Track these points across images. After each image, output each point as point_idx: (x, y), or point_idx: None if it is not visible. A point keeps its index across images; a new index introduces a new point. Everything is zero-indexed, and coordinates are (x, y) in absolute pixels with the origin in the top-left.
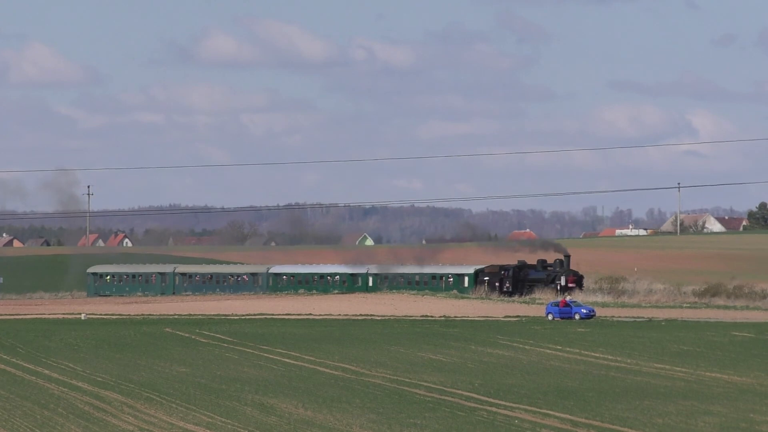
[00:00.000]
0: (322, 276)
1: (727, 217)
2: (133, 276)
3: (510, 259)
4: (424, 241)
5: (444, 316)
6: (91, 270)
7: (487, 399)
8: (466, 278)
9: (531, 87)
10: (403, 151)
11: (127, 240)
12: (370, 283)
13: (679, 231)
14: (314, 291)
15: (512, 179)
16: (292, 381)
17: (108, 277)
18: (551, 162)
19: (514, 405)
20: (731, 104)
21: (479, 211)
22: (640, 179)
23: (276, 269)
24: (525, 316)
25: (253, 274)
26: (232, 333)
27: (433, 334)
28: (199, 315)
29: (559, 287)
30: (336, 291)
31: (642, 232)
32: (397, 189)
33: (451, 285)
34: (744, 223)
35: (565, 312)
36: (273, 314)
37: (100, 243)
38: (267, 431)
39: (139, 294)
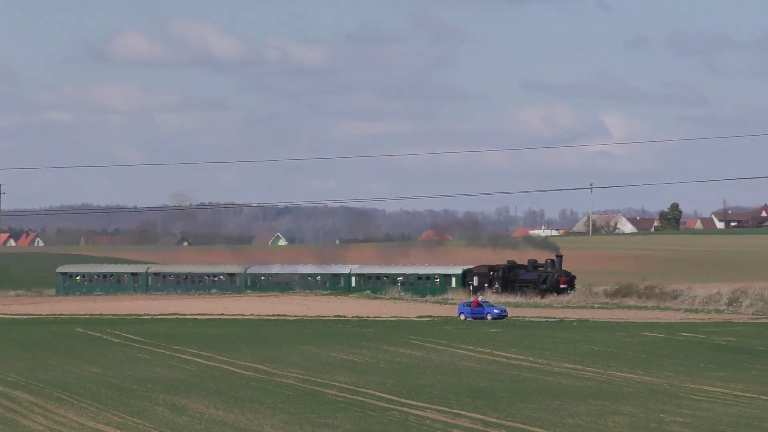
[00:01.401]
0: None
1: (638, 218)
2: (104, 276)
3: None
4: (337, 241)
5: (357, 316)
6: (60, 270)
7: (398, 399)
8: (454, 279)
9: (445, 87)
10: (317, 151)
11: (38, 239)
12: (353, 284)
13: (591, 231)
14: (289, 291)
15: (426, 179)
16: (203, 381)
17: (78, 277)
18: (465, 162)
19: (425, 405)
20: (643, 105)
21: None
22: (553, 180)
23: (254, 269)
24: (437, 317)
25: (231, 275)
26: (144, 333)
27: (345, 334)
28: (110, 315)
29: (471, 287)
30: (321, 292)
31: (554, 232)
32: (311, 189)
33: (438, 286)
34: (655, 223)
35: (477, 312)
36: (185, 314)
37: (12, 242)
38: (178, 431)
39: (111, 294)
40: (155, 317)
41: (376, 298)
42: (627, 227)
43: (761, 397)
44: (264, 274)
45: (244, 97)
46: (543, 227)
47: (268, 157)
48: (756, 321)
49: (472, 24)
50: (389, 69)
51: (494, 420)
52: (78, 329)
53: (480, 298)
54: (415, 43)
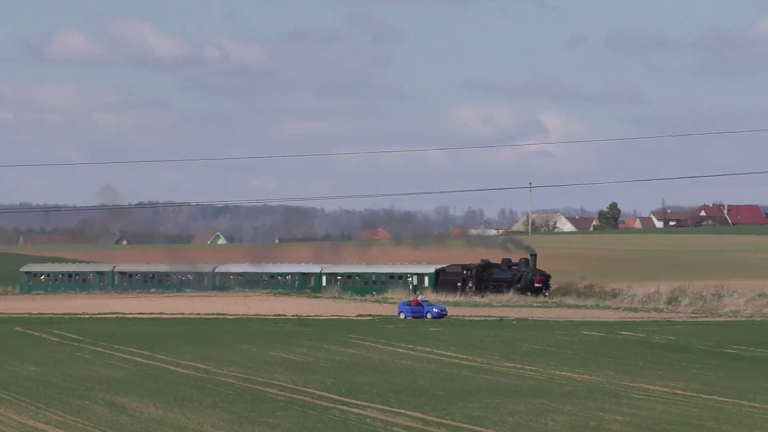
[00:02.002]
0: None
1: (577, 217)
2: (70, 275)
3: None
4: (276, 240)
5: (297, 315)
6: (24, 269)
7: (338, 398)
8: (427, 278)
9: (384, 86)
10: (256, 150)
11: None
12: (324, 283)
13: (530, 231)
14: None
15: (365, 178)
16: (143, 380)
17: (42, 276)
18: (404, 161)
19: (365, 404)
20: (581, 105)
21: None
22: (492, 179)
23: (221, 269)
24: (378, 316)
25: (199, 274)
26: (83, 332)
27: (285, 333)
28: (49, 314)
29: (411, 286)
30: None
31: (494, 231)
32: (250, 188)
33: (411, 285)
34: (594, 222)
35: (417, 311)
36: (125, 313)
37: None
38: (118, 430)
39: (77, 292)
40: (94, 316)
41: (316, 297)
42: (566, 226)
43: (700, 395)
44: (233, 273)
45: (184, 96)
46: (482, 226)
47: (208, 156)
48: (695, 320)
49: (411, 23)
50: (328, 68)
51: (434, 419)
52: (17, 328)
53: (420, 297)
54: (354, 43)
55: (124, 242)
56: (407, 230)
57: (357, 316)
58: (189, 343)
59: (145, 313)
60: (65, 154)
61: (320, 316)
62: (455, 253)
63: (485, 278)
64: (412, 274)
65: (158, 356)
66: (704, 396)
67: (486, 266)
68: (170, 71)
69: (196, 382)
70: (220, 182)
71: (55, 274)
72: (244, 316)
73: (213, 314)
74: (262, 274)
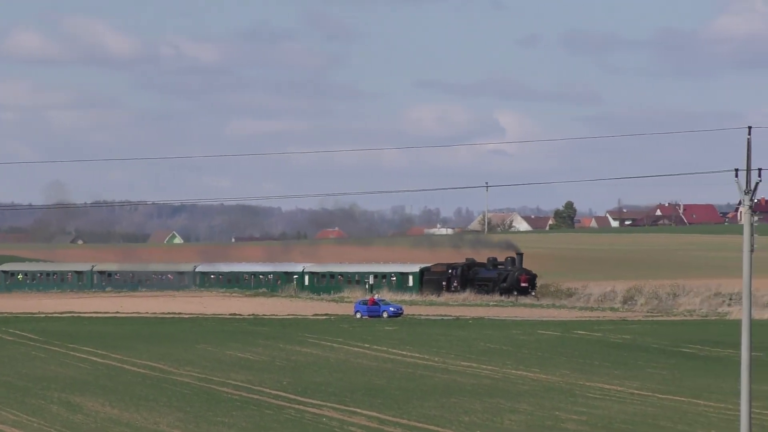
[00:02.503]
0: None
1: (533, 216)
2: (48, 274)
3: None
4: (233, 239)
5: (253, 314)
6: (2, 268)
7: (295, 397)
8: (411, 277)
9: (339, 85)
10: (211, 148)
11: None
12: (308, 282)
13: (486, 230)
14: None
15: (321, 177)
16: (99, 379)
17: (20, 276)
18: (360, 161)
19: (321, 403)
20: (537, 104)
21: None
22: (448, 178)
23: (201, 268)
24: (334, 315)
25: (180, 273)
26: (39, 331)
27: (241, 332)
28: (5, 313)
29: (368, 285)
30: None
31: (450, 231)
32: (206, 187)
33: (395, 285)
34: (550, 222)
35: (373, 310)
36: (81, 312)
37: None
38: (73, 429)
39: (55, 291)
40: (50, 315)
41: (272, 296)
42: (522, 226)
43: (656, 394)
44: (214, 273)
45: (139, 94)
46: (438, 226)
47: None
48: (651, 319)
49: (367, 22)
50: (283, 67)
51: (390, 418)
52: None
53: (376, 296)
54: (308, 42)
55: (80, 241)
56: (363, 229)
57: (313, 316)
58: (145, 343)
59: (100, 312)
60: (20, 152)
61: (276, 315)
62: (404, 253)
63: (470, 277)
64: (395, 273)
65: (114, 355)
66: (660, 395)
67: (471, 265)
68: (125, 69)
69: (151, 382)
70: (176, 181)
71: (33, 273)
72: (200, 316)
73: (169, 313)
74: (242, 273)
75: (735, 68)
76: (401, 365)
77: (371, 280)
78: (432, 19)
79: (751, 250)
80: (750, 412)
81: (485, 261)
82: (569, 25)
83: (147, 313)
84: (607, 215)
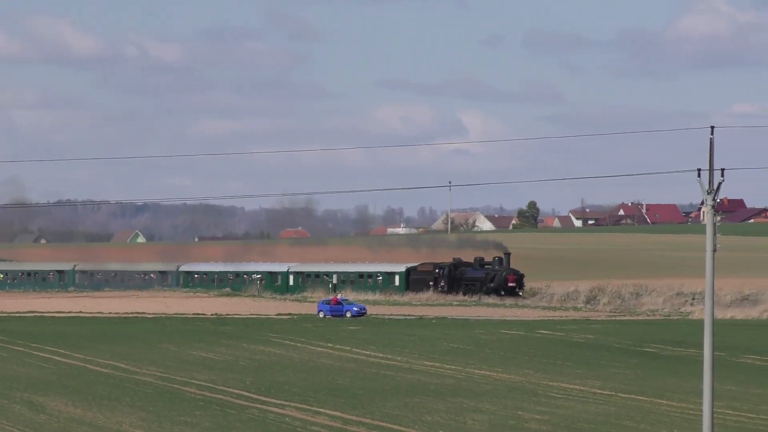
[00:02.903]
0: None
1: (497, 216)
2: (29, 273)
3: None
4: (196, 239)
5: (216, 314)
6: None
7: (258, 397)
8: (397, 277)
9: (303, 85)
10: (174, 148)
11: None
12: (292, 282)
13: (449, 229)
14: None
15: (284, 177)
16: (62, 379)
17: (1, 275)
18: (323, 160)
19: (285, 403)
20: (500, 104)
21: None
22: (412, 178)
23: (185, 267)
24: (297, 314)
25: (162, 272)
26: (1, 331)
27: (205, 332)
28: None
29: (331, 285)
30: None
31: (413, 230)
32: (169, 186)
33: (381, 284)
34: (513, 221)
35: (336, 310)
36: (43, 312)
37: None
38: (36, 429)
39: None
40: (12, 315)
41: (235, 295)
42: (485, 225)
43: (619, 394)
44: (198, 272)
45: (101, 94)
46: (402, 225)
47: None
48: (613, 318)
49: (330, 21)
50: (247, 66)
51: (353, 417)
52: None
53: (339, 296)
54: (272, 41)
55: (43, 240)
56: (326, 229)
57: (276, 315)
58: (108, 342)
59: (63, 312)
60: None
61: (239, 315)
62: (360, 253)
63: (457, 277)
64: (381, 273)
65: (77, 355)
66: (622, 395)
67: (458, 265)
68: (88, 69)
69: (114, 381)
70: (139, 180)
71: (15, 272)
72: (163, 315)
73: (132, 313)
74: (226, 272)
75: (698, 68)
76: (364, 365)
77: (334, 280)
78: (396, 19)
79: (714, 250)
80: (712, 412)
81: (472, 260)
82: (532, 26)
83: (110, 312)
84: (570, 215)
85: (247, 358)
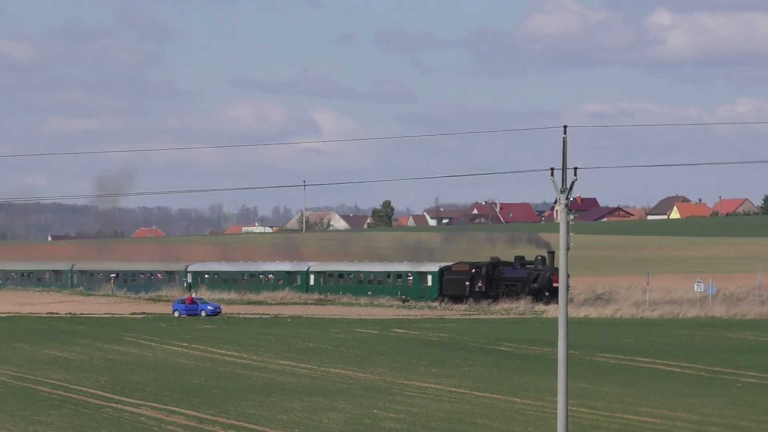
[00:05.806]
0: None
1: (351, 215)
2: (23, 273)
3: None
4: (49, 238)
5: (70, 313)
6: None
7: (112, 396)
8: (430, 277)
9: (155, 83)
10: (25, 147)
11: None
12: (312, 282)
13: (304, 228)
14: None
15: (138, 176)
16: None
17: None
18: (176, 159)
19: (140, 402)
20: (352, 102)
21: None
22: (266, 177)
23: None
24: (151, 314)
25: (170, 272)
26: None
27: (59, 331)
28: None
29: (186, 284)
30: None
31: (268, 229)
32: (21, 185)
33: (411, 285)
34: (368, 220)
35: (191, 309)
36: None
37: None
38: None
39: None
40: None
41: (90, 294)
42: (340, 224)
43: (473, 392)
44: (208, 272)
45: None
46: (257, 224)
47: None
48: (468, 317)
49: (181, 20)
50: (98, 65)
51: (208, 416)
52: None
53: (194, 295)
54: (122, 39)
55: None
56: (180, 228)
57: (131, 315)
58: None
59: None
60: None
61: (93, 314)
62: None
63: (496, 277)
64: (412, 273)
65: None
66: (477, 393)
67: (496, 264)
68: None
69: None
70: None
71: (8, 272)
72: (16, 314)
73: None
74: (242, 273)
75: (549, 67)
76: (219, 364)
77: (189, 279)
78: (247, 18)
79: (567, 249)
80: (567, 410)
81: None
82: (383, 25)
83: None
84: (425, 214)
85: (101, 358)
